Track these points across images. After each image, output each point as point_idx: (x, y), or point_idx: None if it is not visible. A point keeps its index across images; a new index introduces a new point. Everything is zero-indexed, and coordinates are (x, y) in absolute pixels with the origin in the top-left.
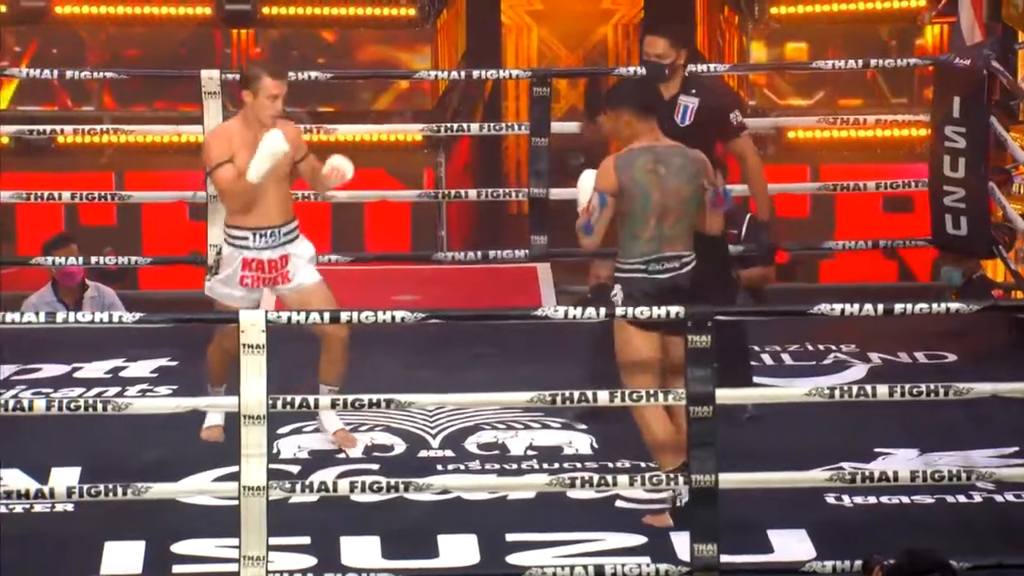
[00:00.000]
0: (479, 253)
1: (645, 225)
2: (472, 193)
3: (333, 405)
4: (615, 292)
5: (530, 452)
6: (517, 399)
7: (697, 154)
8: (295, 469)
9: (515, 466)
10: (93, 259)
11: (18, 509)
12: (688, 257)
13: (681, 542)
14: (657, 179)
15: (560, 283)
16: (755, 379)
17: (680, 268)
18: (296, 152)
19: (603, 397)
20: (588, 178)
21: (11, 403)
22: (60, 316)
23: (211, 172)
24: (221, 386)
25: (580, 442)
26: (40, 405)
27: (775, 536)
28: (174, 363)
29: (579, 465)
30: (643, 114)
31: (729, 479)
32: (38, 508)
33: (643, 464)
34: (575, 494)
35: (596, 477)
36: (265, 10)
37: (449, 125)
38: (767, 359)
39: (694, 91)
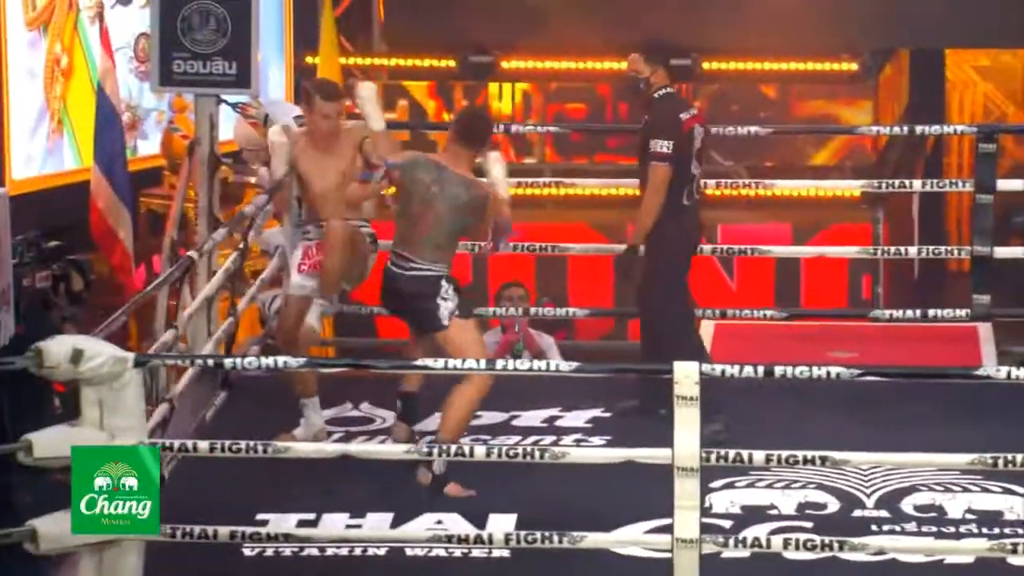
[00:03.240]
0: (918, 312)
1: None
2: (912, 250)
3: (767, 460)
4: None
5: (968, 515)
6: (956, 461)
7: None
8: (727, 524)
9: (953, 529)
10: (532, 309)
11: (456, 553)
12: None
13: None
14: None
15: (1002, 343)
16: None
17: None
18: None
19: None
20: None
21: (452, 448)
22: (499, 364)
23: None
24: (311, 397)
25: (1022, 507)
26: (480, 452)
27: None
28: (607, 414)
29: (1020, 531)
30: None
31: None
32: (476, 553)
33: None
34: (1016, 560)
35: None
36: (706, 65)
37: (890, 181)
38: None
39: (647, 113)
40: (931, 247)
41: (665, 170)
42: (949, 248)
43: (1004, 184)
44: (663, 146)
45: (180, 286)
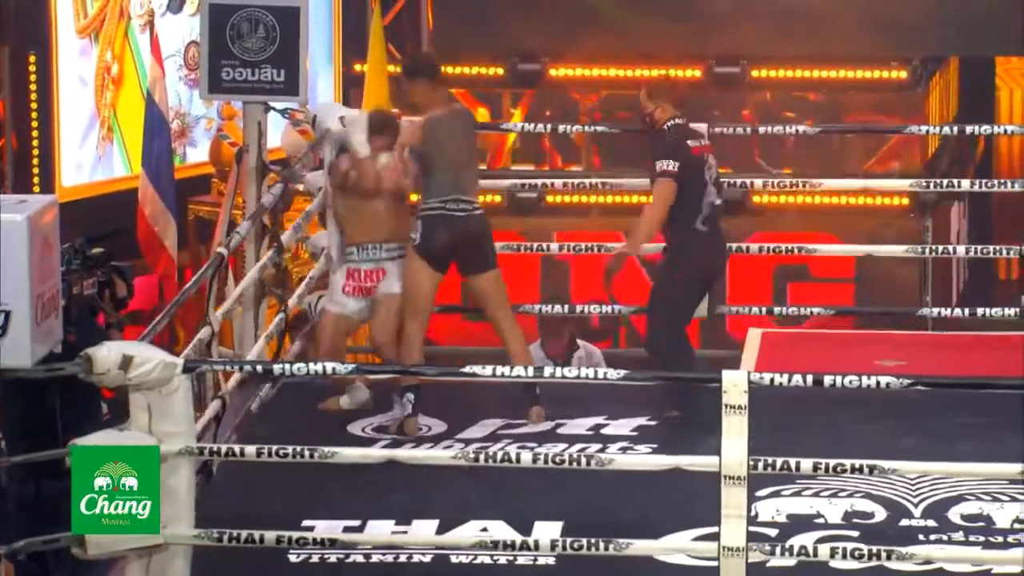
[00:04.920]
0: (966, 310)
1: None
2: (960, 250)
3: (815, 468)
4: None
5: (1017, 525)
6: (1005, 471)
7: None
8: (773, 532)
9: (1001, 539)
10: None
11: (502, 560)
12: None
13: None
14: None
15: None
16: None
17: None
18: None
19: None
20: None
21: (499, 455)
22: (547, 371)
23: None
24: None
25: None
26: (527, 458)
27: None
28: (653, 423)
29: None
30: None
31: None
32: (521, 560)
33: None
34: None
35: None
36: (755, 73)
37: (939, 180)
38: None
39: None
40: (979, 247)
41: (668, 185)
42: (998, 248)
43: None
44: (668, 164)
45: (221, 285)
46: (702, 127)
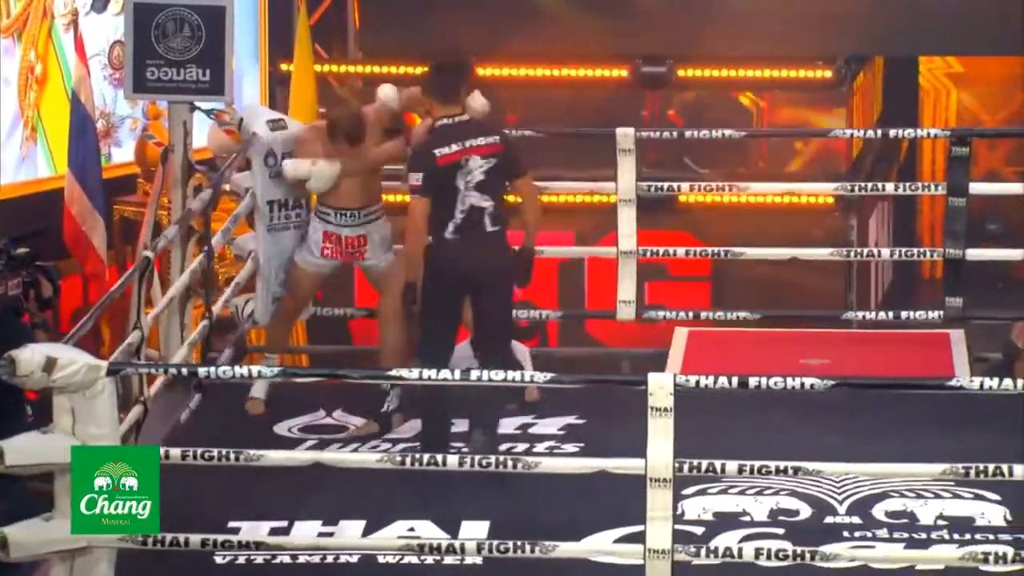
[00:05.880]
0: (890, 313)
1: None
2: (885, 252)
3: (740, 470)
4: None
5: (940, 522)
6: (928, 471)
7: None
8: (699, 531)
9: (924, 535)
10: None
11: (428, 560)
12: None
13: None
14: None
15: (974, 348)
16: None
17: None
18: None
19: (1019, 471)
20: None
21: (426, 458)
22: (474, 374)
23: None
24: (275, 356)
25: (993, 513)
26: (453, 461)
27: None
28: (581, 421)
29: (992, 537)
30: None
31: None
32: (448, 561)
33: None
34: (988, 568)
35: (1011, 551)
36: (681, 72)
37: (863, 184)
38: None
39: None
40: (904, 249)
41: (414, 202)
42: (922, 250)
43: (977, 187)
44: (413, 179)
45: (147, 288)
46: (466, 117)
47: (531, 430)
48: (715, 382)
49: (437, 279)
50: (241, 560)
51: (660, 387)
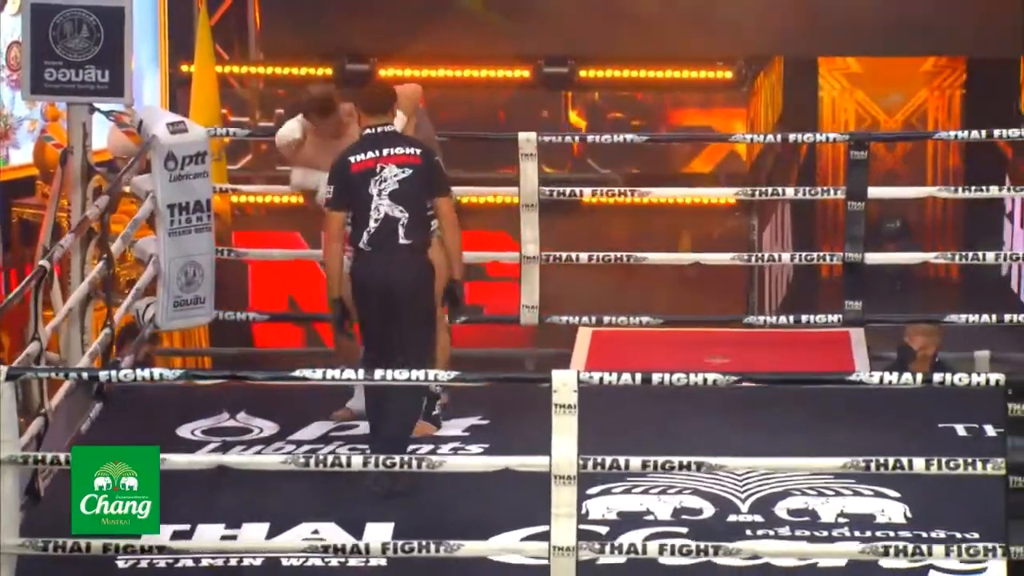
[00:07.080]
0: (791, 317)
1: None
2: (786, 257)
3: (644, 466)
4: None
5: (841, 519)
6: (829, 465)
7: None
8: (604, 530)
9: (826, 533)
10: None
11: (333, 563)
12: None
13: None
14: None
15: (873, 348)
16: None
17: None
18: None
19: (919, 464)
20: None
21: (329, 459)
22: (377, 374)
23: None
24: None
25: (893, 510)
26: (357, 462)
27: None
28: (485, 422)
29: (892, 534)
30: None
31: None
32: (353, 563)
33: (958, 535)
34: (888, 563)
35: (911, 547)
36: (583, 73)
37: (764, 188)
38: None
39: None
40: (804, 253)
41: (328, 216)
42: (822, 254)
43: (875, 192)
44: (328, 191)
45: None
46: (391, 128)
47: (435, 432)
48: (619, 379)
49: (356, 291)
50: (143, 564)
51: (564, 384)
